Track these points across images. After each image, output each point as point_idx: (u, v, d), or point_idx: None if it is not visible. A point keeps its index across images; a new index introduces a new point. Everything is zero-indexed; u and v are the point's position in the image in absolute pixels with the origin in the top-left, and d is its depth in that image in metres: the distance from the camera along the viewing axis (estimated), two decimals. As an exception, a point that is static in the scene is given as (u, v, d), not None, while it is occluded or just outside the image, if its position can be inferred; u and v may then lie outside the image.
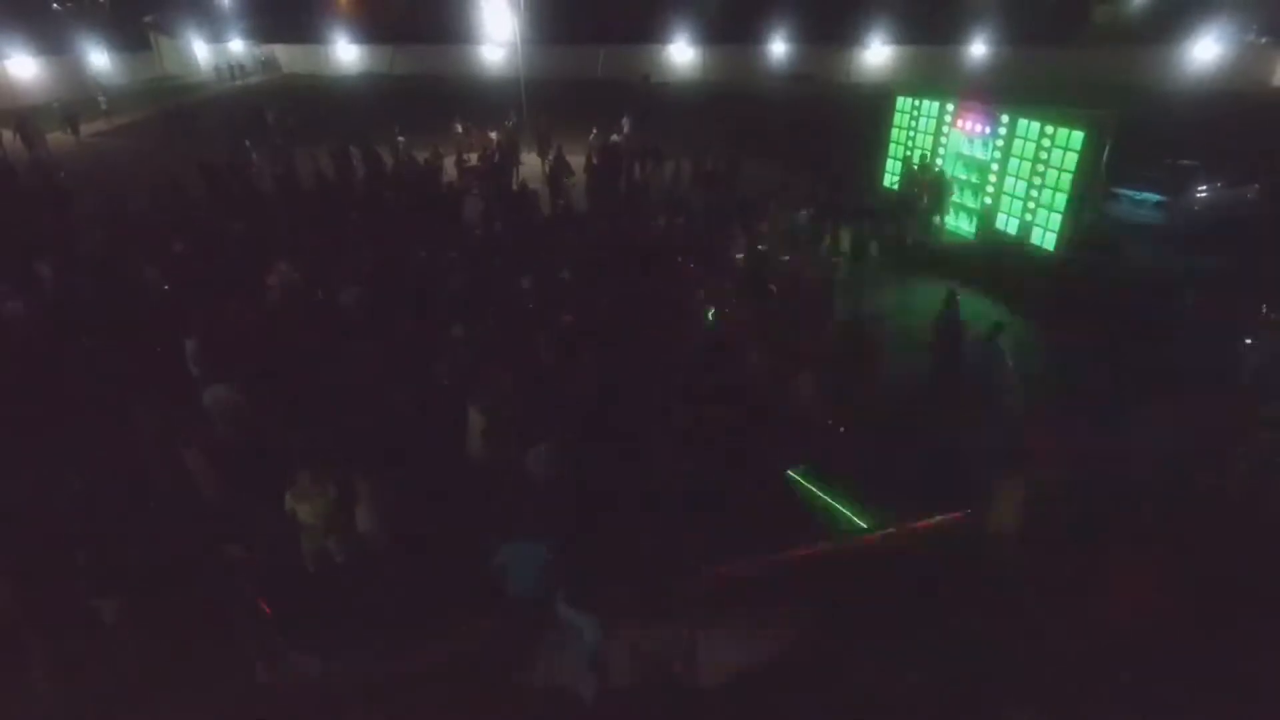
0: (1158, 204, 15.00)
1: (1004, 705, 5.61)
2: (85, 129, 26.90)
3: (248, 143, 20.22)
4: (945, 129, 14.88)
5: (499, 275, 10.98)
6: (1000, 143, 13.41)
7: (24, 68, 32.68)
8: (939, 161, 15.03)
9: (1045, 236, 12.70)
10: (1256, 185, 15.80)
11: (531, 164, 20.50)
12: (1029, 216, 13.02)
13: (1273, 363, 8.48)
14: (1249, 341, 8.62)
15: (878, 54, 40.02)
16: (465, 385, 8.08)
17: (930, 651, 5.82)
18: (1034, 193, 12.85)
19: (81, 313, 10.59)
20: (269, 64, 44.78)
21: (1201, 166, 15.63)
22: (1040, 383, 9.58)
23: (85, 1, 48.62)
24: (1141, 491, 7.21)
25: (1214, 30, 36.41)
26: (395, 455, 7.50)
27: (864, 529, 7.07)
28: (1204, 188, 15.35)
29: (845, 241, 13.16)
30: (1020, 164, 13.03)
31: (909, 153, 15.94)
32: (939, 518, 7.02)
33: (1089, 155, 11.78)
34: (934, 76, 37.03)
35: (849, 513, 7.21)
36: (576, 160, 18.43)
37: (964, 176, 14.71)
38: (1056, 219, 12.41)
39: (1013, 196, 13.38)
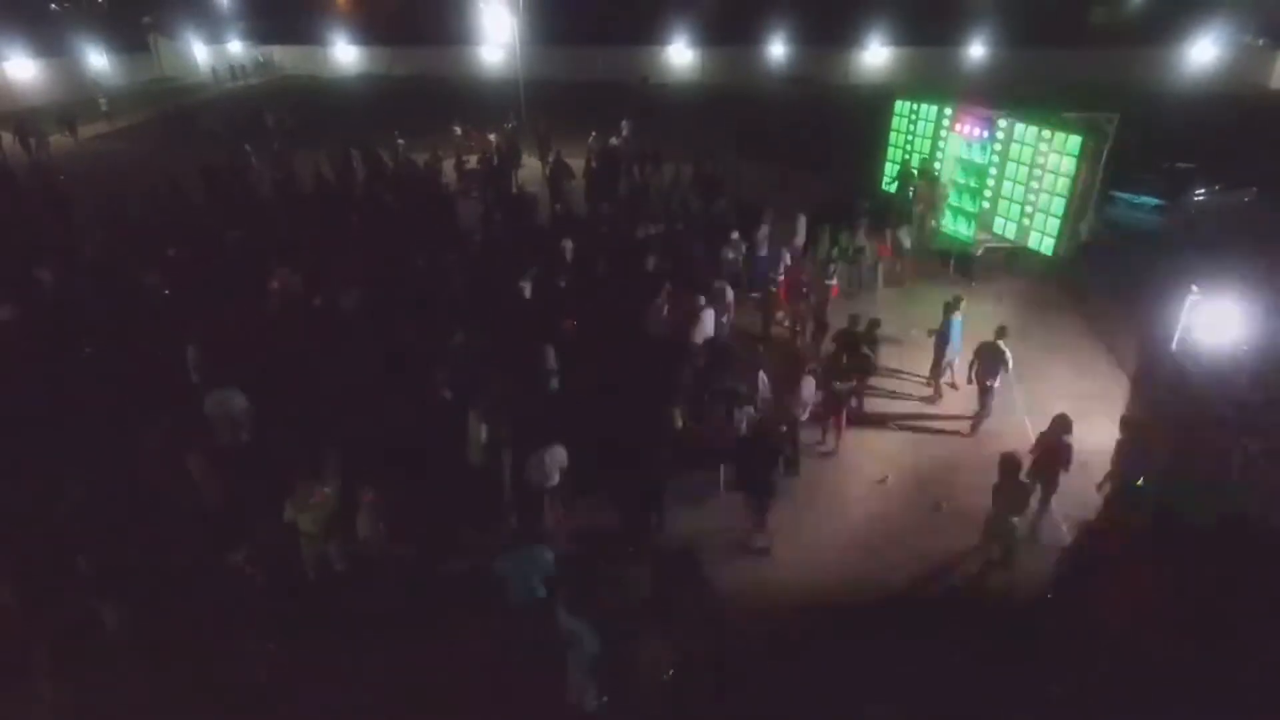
0: (1155, 207, 15.05)
1: (1003, 707, 5.66)
2: (85, 131, 26.88)
3: (248, 147, 20.23)
4: (943, 133, 14.93)
5: (498, 280, 10.99)
6: (998, 147, 13.46)
7: (23, 69, 32.64)
8: (937, 165, 15.06)
9: (1043, 241, 12.75)
10: (1254, 189, 15.87)
11: (532, 166, 20.51)
12: (1027, 220, 13.07)
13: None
14: (1245, 347, 8.66)
15: (876, 55, 40.07)
16: (465, 391, 8.10)
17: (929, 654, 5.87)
18: (1031, 197, 12.89)
19: (82, 318, 10.60)
20: (267, 65, 44.75)
21: (1198, 170, 15.69)
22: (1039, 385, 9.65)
23: (83, 2, 48.57)
24: (1140, 494, 7.26)
25: (1212, 32, 36.48)
26: (395, 461, 7.53)
27: None
28: (1201, 191, 15.41)
29: (843, 245, 13.17)
30: (1018, 168, 13.09)
31: (907, 156, 15.98)
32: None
33: (1086, 160, 11.83)
34: (932, 78, 37.06)
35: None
36: (576, 163, 18.46)
37: (962, 180, 14.75)
38: (1054, 223, 12.46)
39: (1011, 200, 13.43)
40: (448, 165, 19.63)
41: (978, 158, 14.20)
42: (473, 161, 19.88)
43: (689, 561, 6.12)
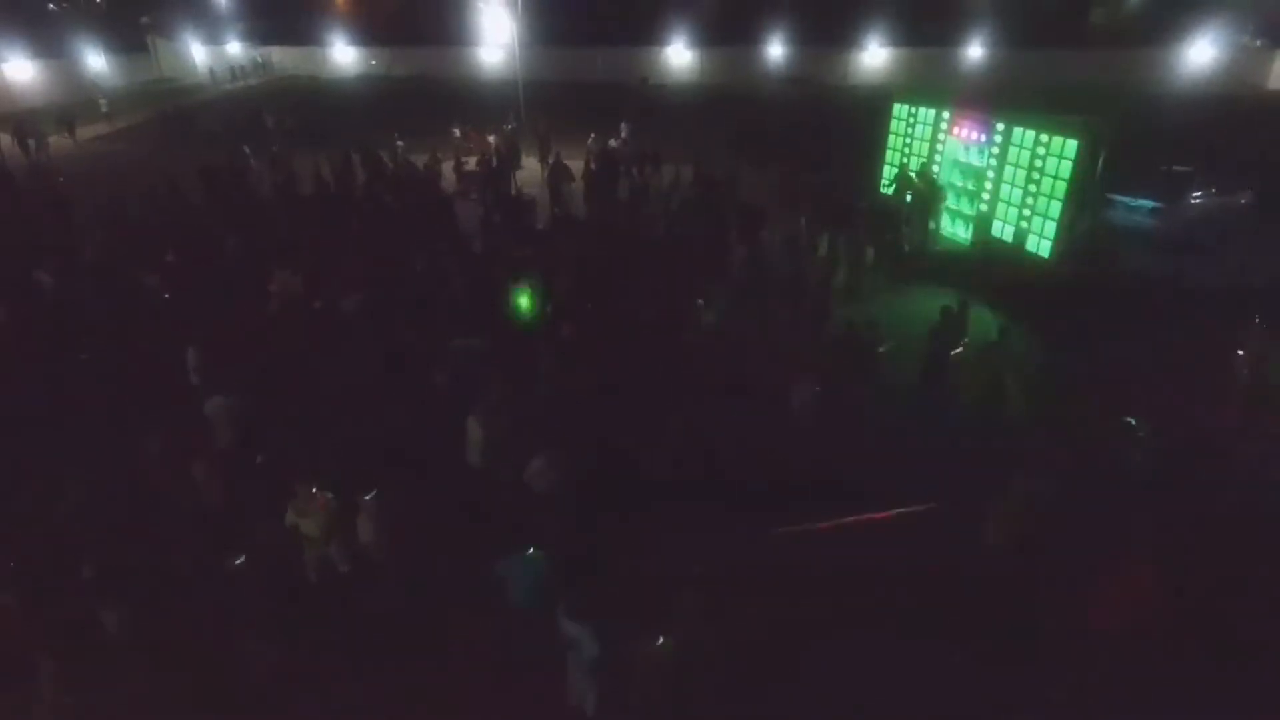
0: (1152, 210, 15.11)
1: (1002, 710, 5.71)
2: (84, 132, 26.90)
3: (247, 149, 20.25)
4: (941, 136, 14.97)
5: (498, 283, 11.03)
6: (996, 150, 13.51)
7: (21, 71, 32.64)
8: (935, 168, 15.11)
9: (1040, 244, 12.79)
10: (1250, 191, 15.93)
11: (531, 168, 20.54)
12: (1024, 224, 13.11)
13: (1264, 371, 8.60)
14: (1241, 353, 8.73)
15: (875, 56, 40.16)
16: (464, 395, 8.13)
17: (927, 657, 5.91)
18: (1029, 200, 12.94)
19: (82, 320, 10.63)
20: (266, 66, 44.76)
21: (1196, 172, 15.74)
22: (1038, 388, 9.67)
23: (82, 2, 48.54)
24: (1138, 498, 7.32)
25: (1210, 33, 36.55)
26: (395, 464, 7.56)
27: None
28: (1198, 193, 15.47)
29: (842, 248, 13.23)
30: (1015, 171, 13.13)
31: (905, 159, 16.03)
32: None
33: (1084, 163, 11.86)
34: (931, 79, 37.16)
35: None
36: (575, 164, 18.50)
37: (960, 183, 14.79)
38: (1052, 226, 12.50)
39: (1008, 204, 13.47)
40: (447, 167, 19.67)
41: (975, 161, 14.24)
42: (471, 163, 19.92)
43: (689, 564, 6.17)
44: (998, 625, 6.21)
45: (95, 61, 36.73)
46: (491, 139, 22.00)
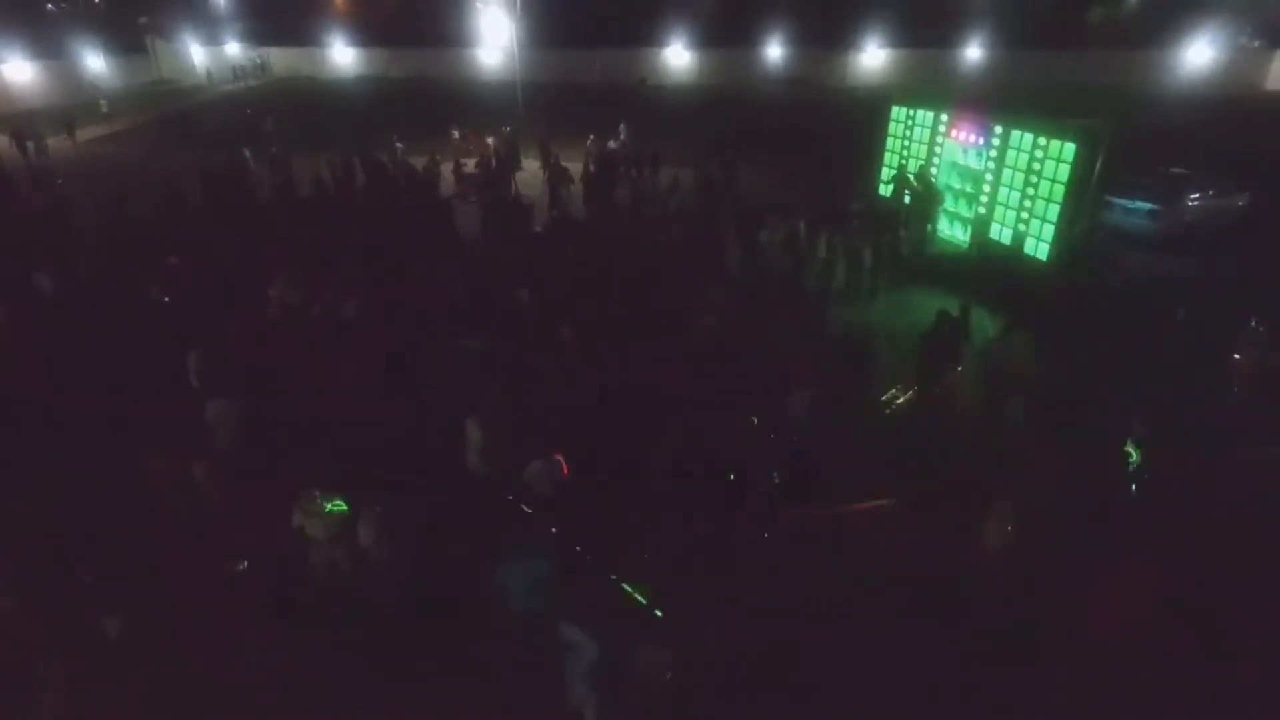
0: (1150, 212, 15.14)
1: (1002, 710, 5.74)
2: (83, 134, 26.90)
3: (247, 152, 20.26)
4: (939, 138, 15.01)
5: (497, 287, 11.05)
6: (994, 153, 13.55)
7: (20, 72, 32.63)
8: (933, 171, 15.15)
9: (1039, 247, 12.83)
10: (1247, 193, 15.98)
11: (531, 169, 20.56)
12: (1022, 226, 13.15)
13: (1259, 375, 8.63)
14: (1236, 356, 8.76)
15: (874, 57, 40.22)
16: (464, 399, 8.15)
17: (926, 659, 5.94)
18: (1027, 203, 12.98)
19: (82, 323, 10.63)
20: (264, 67, 44.75)
21: (1193, 175, 15.78)
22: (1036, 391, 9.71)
23: (80, 2, 48.53)
24: (1135, 502, 7.35)
25: (1208, 34, 36.63)
26: (394, 470, 7.58)
27: None
28: (1196, 196, 15.50)
29: (840, 250, 13.27)
30: (1014, 174, 13.17)
31: (903, 161, 16.06)
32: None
33: (1081, 166, 11.91)
34: (930, 80, 37.23)
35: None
36: (574, 166, 18.52)
37: (958, 186, 14.83)
38: (1050, 229, 12.54)
39: (1006, 206, 13.52)
40: (446, 169, 19.69)
41: (974, 163, 14.29)
42: (471, 165, 19.94)
43: (688, 567, 6.21)
44: (996, 627, 6.24)
45: (94, 63, 36.72)
46: (490, 141, 22.02)
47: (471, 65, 43.37)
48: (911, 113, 15.77)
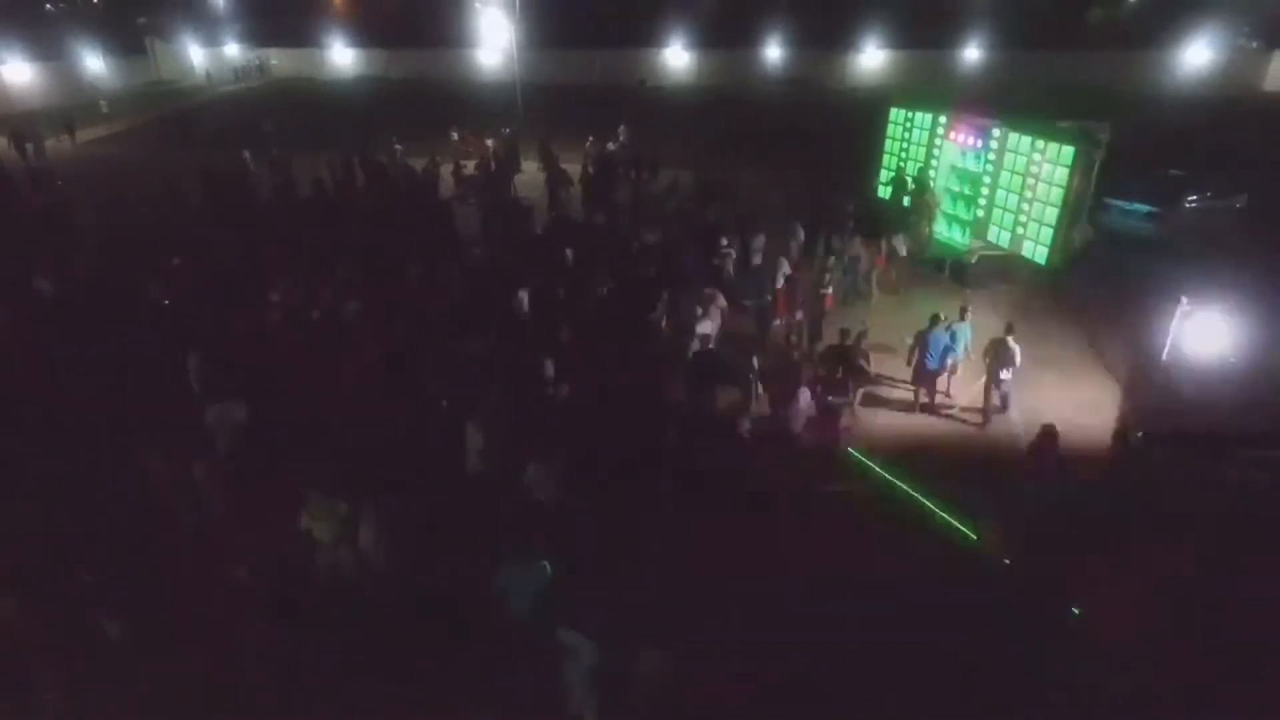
0: (1148, 214, 15.19)
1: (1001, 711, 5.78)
2: (83, 134, 26.91)
3: (247, 154, 20.27)
4: (938, 141, 15.04)
5: (496, 289, 11.07)
6: (992, 156, 13.58)
7: (19, 73, 32.61)
8: (932, 173, 15.18)
9: (1037, 249, 12.86)
10: (1245, 195, 16.03)
11: (531, 171, 20.56)
12: (1020, 229, 13.18)
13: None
14: (1232, 360, 8.79)
15: (873, 58, 40.24)
16: (464, 401, 8.18)
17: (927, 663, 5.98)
18: (1025, 206, 13.01)
19: (82, 325, 10.64)
20: (263, 68, 44.72)
21: (1191, 177, 15.83)
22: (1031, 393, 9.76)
23: (79, 3, 48.51)
24: (1133, 503, 7.39)
25: (1206, 34, 36.68)
26: (395, 473, 7.61)
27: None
28: (1194, 197, 15.55)
29: (838, 252, 13.28)
30: (1012, 177, 13.20)
31: (902, 164, 16.10)
32: None
33: (1079, 170, 11.95)
34: (929, 81, 37.24)
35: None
36: (573, 168, 18.54)
37: (957, 188, 14.86)
38: (1047, 232, 12.57)
39: (1004, 209, 13.54)
40: (445, 171, 19.68)
41: (972, 166, 14.32)
42: (470, 167, 19.95)
43: (687, 571, 6.23)
44: (995, 628, 6.28)
45: (93, 63, 36.70)
46: (490, 142, 22.03)
47: (471, 66, 43.36)
48: (910, 115, 15.80)
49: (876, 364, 9.99)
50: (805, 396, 8.50)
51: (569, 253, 12.09)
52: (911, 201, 15.18)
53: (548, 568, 6.12)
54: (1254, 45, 38.23)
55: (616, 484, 7.63)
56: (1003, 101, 19.57)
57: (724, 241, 12.84)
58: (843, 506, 7.72)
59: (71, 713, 5.83)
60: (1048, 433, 7.45)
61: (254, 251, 13.14)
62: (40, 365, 9.90)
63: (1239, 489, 7.58)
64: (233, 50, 45.60)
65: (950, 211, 15.08)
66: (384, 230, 14.74)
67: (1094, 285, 12.65)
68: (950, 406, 9.80)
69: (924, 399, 9.78)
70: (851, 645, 6.22)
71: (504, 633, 6.06)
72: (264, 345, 10.06)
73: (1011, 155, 13.11)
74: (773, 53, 41.29)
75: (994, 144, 13.48)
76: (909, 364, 9.72)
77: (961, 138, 14.36)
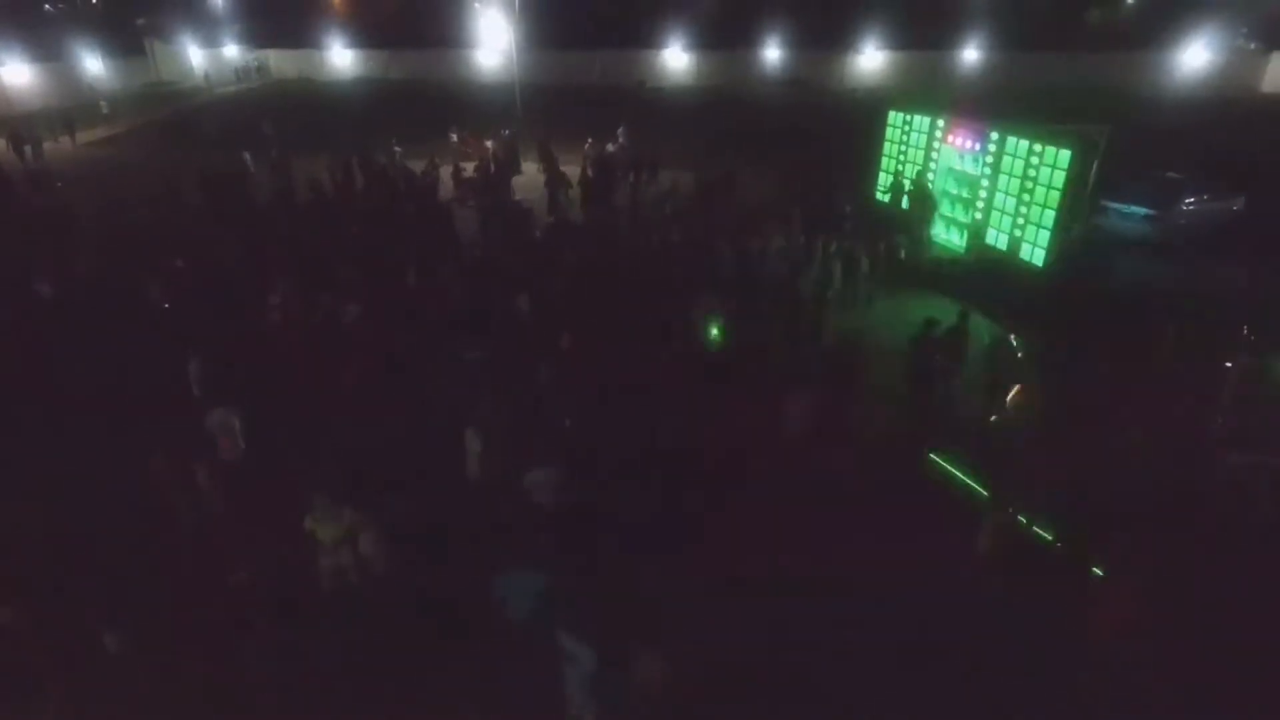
0: (1145, 217, 15.21)
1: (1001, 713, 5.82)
2: (83, 136, 26.92)
3: (247, 156, 20.28)
4: (936, 144, 15.09)
5: (496, 293, 11.10)
6: (990, 159, 13.63)
7: (18, 75, 32.59)
8: (930, 176, 15.23)
9: (1034, 252, 12.91)
10: (1243, 197, 16.06)
11: (530, 173, 20.59)
12: (1018, 232, 13.23)
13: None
14: (1228, 365, 8.82)
15: (872, 59, 40.27)
16: (463, 407, 8.21)
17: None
18: (1023, 209, 13.06)
19: (82, 328, 10.66)
20: (262, 69, 44.70)
21: (1189, 179, 15.85)
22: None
23: (78, 2, 48.49)
24: (1129, 509, 7.42)
25: (1204, 36, 36.74)
26: (395, 476, 7.64)
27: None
28: (1191, 200, 15.57)
29: (837, 255, 13.33)
30: (1009, 180, 13.25)
31: (900, 167, 16.15)
32: None
33: (1077, 173, 12.00)
34: (928, 82, 37.32)
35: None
36: (572, 170, 18.57)
37: (955, 191, 14.91)
38: (1045, 235, 12.63)
39: (1002, 212, 13.59)
40: (445, 172, 19.71)
41: (970, 169, 14.37)
42: (470, 169, 19.98)
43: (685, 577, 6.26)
44: (993, 632, 6.32)
45: (92, 65, 36.67)
46: (489, 144, 22.04)
47: (470, 67, 43.36)
48: (908, 118, 15.85)
49: (874, 368, 10.03)
50: (802, 399, 8.52)
51: (569, 256, 12.13)
52: (910, 204, 15.22)
53: (546, 574, 6.15)
54: (1252, 46, 38.31)
55: (616, 487, 7.67)
56: (1001, 103, 19.64)
57: (723, 245, 12.87)
58: (845, 503, 7.74)
59: (72, 714, 5.85)
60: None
61: (254, 254, 13.16)
62: (40, 368, 9.94)
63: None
64: (232, 51, 45.57)
65: (948, 214, 15.13)
66: (383, 233, 14.77)
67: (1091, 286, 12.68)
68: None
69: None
70: (849, 645, 6.26)
71: (503, 637, 6.09)
72: (264, 348, 10.10)
73: (1009, 158, 13.17)
74: (772, 54, 41.32)
75: (991, 147, 13.53)
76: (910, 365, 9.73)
77: (959, 141, 14.41)
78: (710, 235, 14.10)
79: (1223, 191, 15.97)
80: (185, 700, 5.93)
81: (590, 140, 21.12)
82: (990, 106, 14.71)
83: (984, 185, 13.92)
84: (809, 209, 15.42)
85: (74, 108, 30.24)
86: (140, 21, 42.39)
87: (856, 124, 21.13)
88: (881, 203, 16.69)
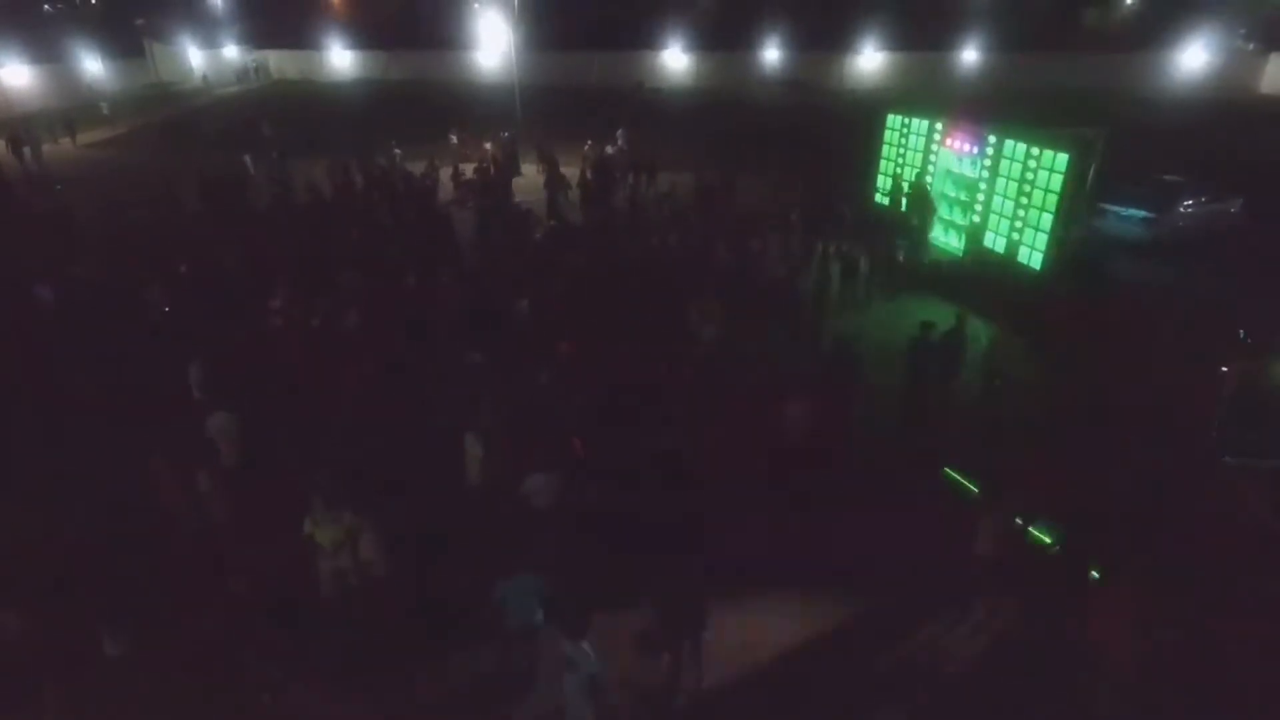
0: (1144, 220, 15.25)
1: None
2: (84, 137, 26.94)
3: (247, 158, 20.29)
4: (934, 147, 15.12)
5: (496, 297, 11.13)
6: (988, 162, 13.66)
7: (17, 76, 32.58)
8: (929, 179, 15.26)
9: (1032, 256, 12.94)
10: (1241, 199, 16.10)
11: (530, 175, 20.61)
12: (1016, 235, 13.26)
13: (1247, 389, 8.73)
14: (1224, 370, 8.85)
15: (871, 60, 40.28)
16: (463, 412, 8.23)
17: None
18: (1021, 212, 13.09)
19: (82, 333, 10.69)
20: (261, 70, 44.67)
21: (1187, 182, 15.89)
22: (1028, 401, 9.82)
23: (77, 3, 48.46)
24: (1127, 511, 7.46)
25: (1203, 37, 36.77)
26: (395, 483, 7.66)
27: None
28: (1189, 202, 15.61)
29: (835, 258, 13.36)
30: (1007, 183, 13.28)
31: (899, 169, 16.18)
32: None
33: (1075, 177, 12.02)
34: (927, 83, 37.35)
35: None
36: (571, 172, 18.59)
37: (953, 194, 14.95)
38: (1043, 239, 12.65)
39: (1000, 215, 13.62)
40: (444, 175, 19.72)
41: (968, 172, 14.40)
42: (469, 171, 20.00)
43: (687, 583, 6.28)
44: (991, 635, 6.36)
45: (91, 66, 36.65)
46: (488, 146, 22.07)
47: (469, 68, 43.35)
48: (907, 121, 15.88)
49: (872, 370, 10.05)
50: (800, 404, 8.54)
51: (568, 260, 12.14)
52: (908, 207, 15.25)
53: (545, 578, 6.17)
54: (1250, 47, 38.33)
55: (616, 491, 7.70)
56: (1001, 104, 19.63)
57: (721, 249, 12.90)
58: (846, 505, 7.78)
59: (71, 717, 5.88)
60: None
61: (254, 258, 13.18)
62: (40, 371, 9.95)
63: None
64: (231, 52, 45.55)
65: (946, 217, 15.17)
66: (383, 236, 14.80)
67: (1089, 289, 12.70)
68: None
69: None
70: (849, 648, 6.29)
71: (503, 641, 6.12)
72: (264, 351, 10.12)
73: (1007, 161, 13.19)
74: (771, 55, 41.33)
75: (989, 150, 13.56)
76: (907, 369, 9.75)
77: (958, 144, 14.44)
78: (709, 238, 14.12)
79: (1221, 194, 16.01)
80: (185, 704, 5.96)
81: (590, 142, 21.15)
82: (989, 107, 14.71)
83: (982, 188, 13.95)
84: (808, 211, 15.45)
85: (74, 109, 30.24)
86: (139, 22, 42.36)
87: (856, 125, 21.13)
88: (880, 205, 16.72)
